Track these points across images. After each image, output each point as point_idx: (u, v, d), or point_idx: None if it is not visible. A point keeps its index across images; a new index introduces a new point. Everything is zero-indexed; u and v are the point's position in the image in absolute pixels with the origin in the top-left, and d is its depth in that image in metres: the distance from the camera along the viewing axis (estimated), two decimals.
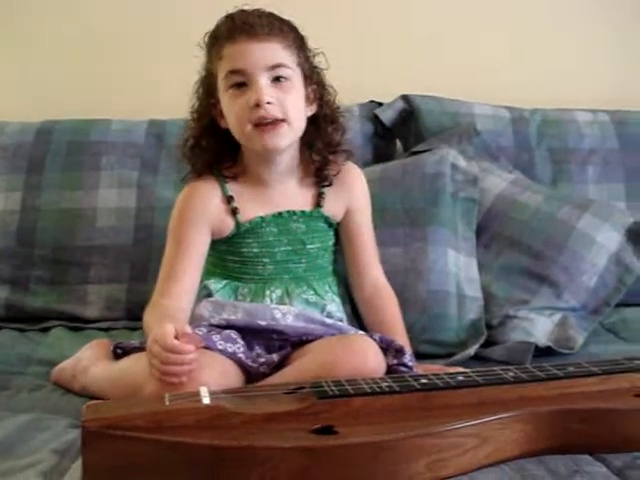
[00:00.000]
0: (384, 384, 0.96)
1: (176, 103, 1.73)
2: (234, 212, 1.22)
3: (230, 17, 1.20)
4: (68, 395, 1.22)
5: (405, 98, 1.74)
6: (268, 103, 1.15)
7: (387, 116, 1.72)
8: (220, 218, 1.22)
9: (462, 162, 1.56)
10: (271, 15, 1.20)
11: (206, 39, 1.23)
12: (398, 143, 1.77)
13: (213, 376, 1.03)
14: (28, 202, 1.58)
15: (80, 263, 1.55)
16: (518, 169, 1.66)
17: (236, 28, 1.17)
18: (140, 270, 1.55)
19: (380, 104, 1.75)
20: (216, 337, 1.11)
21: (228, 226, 1.23)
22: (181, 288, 1.19)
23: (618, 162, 1.69)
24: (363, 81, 1.74)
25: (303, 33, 1.23)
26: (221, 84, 1.19)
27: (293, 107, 1.18)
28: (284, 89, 1.18)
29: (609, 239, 1.49)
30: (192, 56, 1.75)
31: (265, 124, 1.16)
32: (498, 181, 1.57)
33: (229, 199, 1.23)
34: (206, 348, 1.07)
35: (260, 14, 1.19)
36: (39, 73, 1.81)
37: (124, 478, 0.86)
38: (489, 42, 1.87)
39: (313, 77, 1.24)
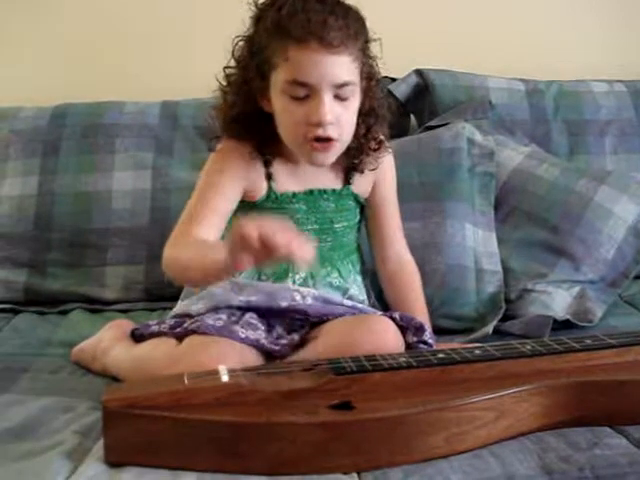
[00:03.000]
0: (402, 359, 0.97)
1: (189, 84, 1.76)
2: (269, 177, 1.20)
3: (304, 8, 1.08)
4: (88, 376, 1.23)
5: (419, 73, 1.73)
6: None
7: (401, 91, 1.71)
8: (255, 178, 1.19)
9: (478, 136, 1.56)
10: (345, 12, 1.10)
11: (269, 18, 1.10)
12: (412, 118, 1.76)
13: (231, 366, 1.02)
14: (44, 186, 1.58)
15: (97, 245, 1.56)
16: (534, 142, 1.65)
17: (310, 31, 1.07)
18: (157, 251, 1.50)
19: (393, 79, 1.74)
20: (236, 326, 1.09)
21: (260, 189, 1.20)
22: (208, 230, 1.14)
23: (635, 132, 1.69)
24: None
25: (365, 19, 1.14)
26: (279, 84, 1.11)
27: (348, 123, 1.14)
28: (344, 106, 1.12)
29: (627, 211, 1.48)
30: (204, 37, 1.78)
31: (318, 141, 1.12)
32: (514, 155, 1.56)
33: (266, 162, 1.20)
34: (227, 337, 1.07)
35: (335, 11, 1.09)
36: (51, 57, 1.81)
37: (145, 456, 0.87)
38: (502, 14, 1.85)
39: (370, 75, 1.17)
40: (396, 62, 1.69)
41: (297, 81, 1.09)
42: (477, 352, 0.99)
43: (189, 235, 1.12)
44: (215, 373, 0.93)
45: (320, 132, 1.11)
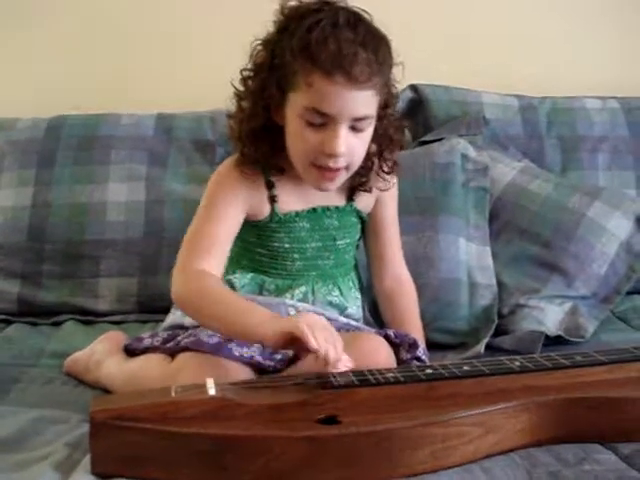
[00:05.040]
0: (389, 375, 0.97)
1: (184, 97, 1.77)
2: (273, 199, 1.19)
3: (335, 37, 1.05)
4: (81, 387, 1.23)
5: (413, 88, 1.74)
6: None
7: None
8: (258, 200, 1.18)
9: (472, 152, 1.57)
10: (375, 43, 1.09)
11: (297, 38, 1.07)
12: (407, 132, 1.76)
13: None
14: (39, 197, 1.58)
15: (91, 257, 1.56)
16: (528, 158, 1.66)
17: (338, 64, 1.04)
18: (150, 263, 1.56)
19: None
20: (231, 344, 1.08)
21: (263, 211, 1.19)
22: (213, 259, 1.13)
23: (628, 149, 1.69)
24: None
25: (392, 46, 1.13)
26: (297, 107, 1.09)
27: (360, 153, 1.13)
28: (358, 136, 1.11)
29: (619, 227, 1.48)
30: (200, 50, 1.79)
31: (327, 169, 1.12)
32: (507, 170, 1.57)
33: (269, 184, 1.19)
34: (221, 355, 1.07)
35: (365, 41, 1.07)
36: (48, 69, 1.82)
37: (131, 467, 0.87)
38: (497, 30, 1.85)
39: (387, 102, 1.16)
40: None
41: (317, 110, 1.08)
42: (465, 368, 0.99)
43: (204, 276, 1.10)
44: (202, 386, 0.93)
45: (331, 164, 1.11)
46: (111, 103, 1.74)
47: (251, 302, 1.09)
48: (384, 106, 1.15)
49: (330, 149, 1.09)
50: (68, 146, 1.63)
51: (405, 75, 1.72)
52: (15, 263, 1.56)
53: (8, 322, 1.52)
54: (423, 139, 1.65)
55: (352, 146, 1.11)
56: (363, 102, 1.08)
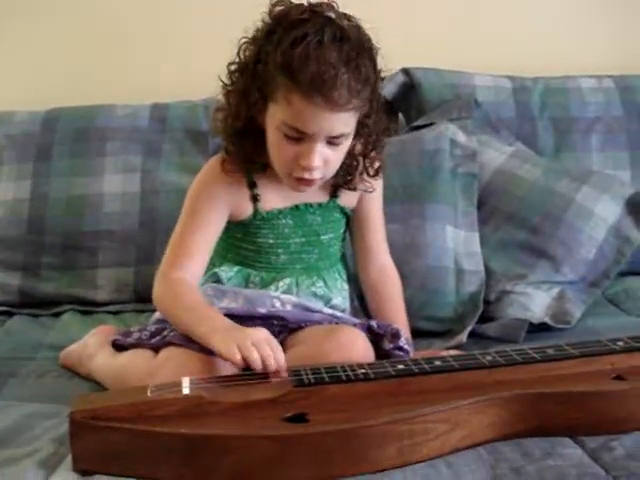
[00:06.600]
0: (360, 371, 0.98)
1: (178, 86, 1.78)
2: (255, 199, 1.22)
3: (318, 56, 1.05)
4: (75, 380, 1.26)
5: (405, 71, 1.73)
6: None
7: (388, 90, 1.71)
8: (240, 201, 1.21)
9: (461, 137, 1.56)
10: (359, 62, 1.08)
11: (280, 52, 1.08)
12: (400, 117, 1.76)
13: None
14: (37, 190, 1.61)
15: (89, 248, 1.59)
16: (520, 140, 1.65)
17: (317, 88, 1.05)
18: (146, 253, 1.58)
19: (381, 79, 1.73)
20: None
21: (246, 211, 1.22)
22: (195, 265, 1.19)
23: (622, 129, 1.67)
24: None
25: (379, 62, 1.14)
26: (275, 120, 1.11)
27: (335, 163, 1.16)
28: (334, 149, 1.13)
29: (608, 211, 1.48)
30: (192, 39, 1.79)
31: (302, 179, 1.15)
32: (497, 155, 1.56)
33: (251, 185, 1.22)
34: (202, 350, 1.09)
35: (349, 61, 1.07)
36: (42, 61, 1.83)
37: (111, 465, 0.90)
38: (488, 11, 1.84)
39: (369, 113, 1.16)
40: (383, 61, 1.71)
41: (295, 128, 1.10)
42: (436, 363, 1.00)
43: (180, 284, 1.16)
44: (177, 385, 0.95)
45: (306, 175, 1.13)
46: (106, 93, 1.76)
47: (213, 310, 1.14)
48: (366, 115, 1.15)
49: (305, 163, 1.11)
50: (64, 139, 1.65)
51: (398, 59, 1.73)
52: (15, 255, 1.60)
53: (10, 314, 1.56)
54: (414, 124, 1.64)
55: (327, 158, 1.13)
56: (341, 123, 1.10)
